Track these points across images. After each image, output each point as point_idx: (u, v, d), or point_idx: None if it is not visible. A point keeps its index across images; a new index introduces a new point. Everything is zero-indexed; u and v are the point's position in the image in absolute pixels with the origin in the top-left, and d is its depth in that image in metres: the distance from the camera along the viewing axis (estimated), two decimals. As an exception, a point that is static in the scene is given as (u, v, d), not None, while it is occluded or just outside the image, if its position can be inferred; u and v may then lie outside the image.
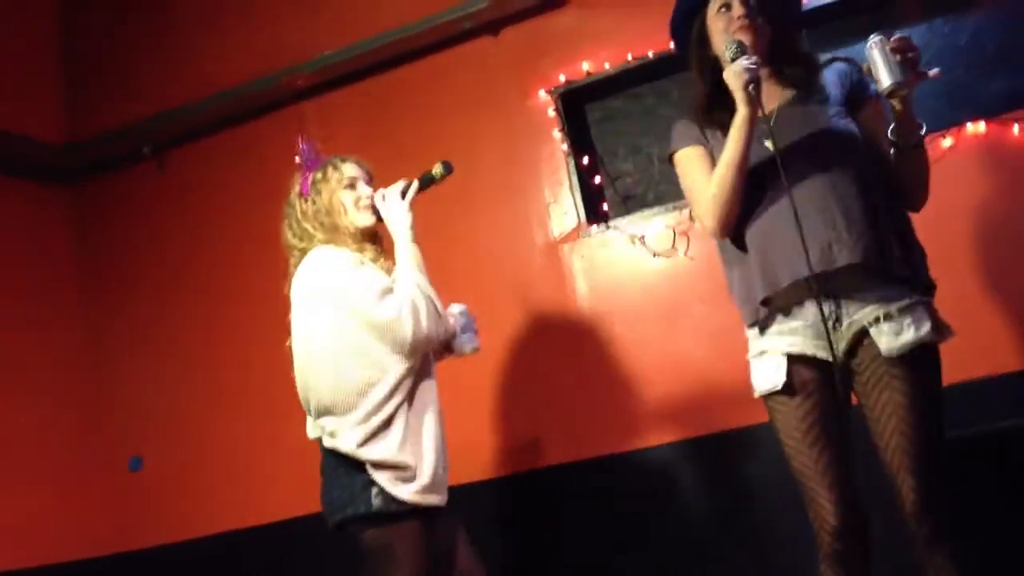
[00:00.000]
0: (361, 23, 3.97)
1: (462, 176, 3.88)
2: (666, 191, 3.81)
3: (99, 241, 4.62)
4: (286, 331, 4.10)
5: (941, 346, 2.29)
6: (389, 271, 2.70)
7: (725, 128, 2.32)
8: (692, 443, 3.55)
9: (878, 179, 2.33)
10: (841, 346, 2.29)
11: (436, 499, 2.59)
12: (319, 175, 2.79)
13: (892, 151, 2.31)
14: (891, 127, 2.29)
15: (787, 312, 2.33)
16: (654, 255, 3.66)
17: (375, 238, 2.78)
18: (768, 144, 2.30)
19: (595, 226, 3.78)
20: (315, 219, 2.74)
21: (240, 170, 4.36)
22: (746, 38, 2.32)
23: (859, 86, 2.38)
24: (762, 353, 2.37)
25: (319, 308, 2.62)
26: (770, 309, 2.36)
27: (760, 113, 2.26)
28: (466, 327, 2.80)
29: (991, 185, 3.28)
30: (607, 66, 3.76)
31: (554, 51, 3.87)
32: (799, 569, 2.56)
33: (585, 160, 3.86)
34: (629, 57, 3.74)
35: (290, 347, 2.77)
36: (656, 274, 3.67)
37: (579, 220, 3.80)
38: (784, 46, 2.45)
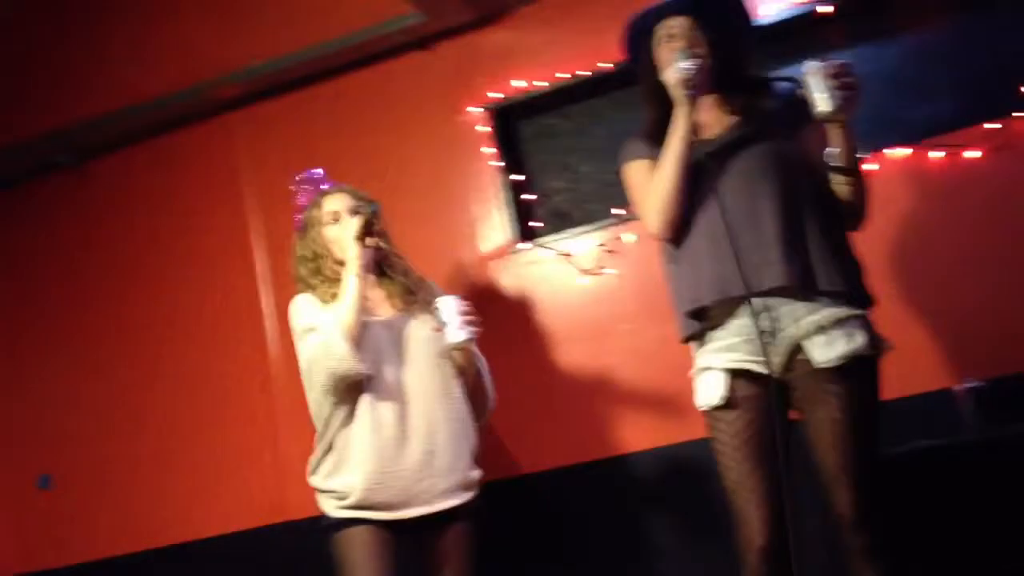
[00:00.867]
0: (292, 34, 3.92)
1: (392, 190, 3.90)
2: (595, 210, 3.82)
3: (12, 252, 4.48)
4: (206, 345, 4.08)
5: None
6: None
7: None
8: (619, 460, 3.55)
9: (815, 200, 2.39)
10: (777, 360, 2.35)
11: (375, 515, 2.67)
12: (308, 215, 2.93)
13: (830, 173, 2.37)
14: (828, 150, 2.34)
15: (722, 326, 2.39)
16: (582, 273, 3.66)
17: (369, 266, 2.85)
18: (708, 166, 2.38)
19: (524, 243, 3.77)
20: (303, 262, 2.90)
21: (163, 181, 4.27)
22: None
23: (800, 108, 2.41)
24: (705, 369, 2.43)
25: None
26: (703, 324, 2.42)
27: (701, 135, 2.41)
28: (447, 321, 2.75)
29: (912, 209, 3.35)
30: (539, 83, 3.76)
31: (487, 67, 3.86)
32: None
33: (515, 177, 3.85)
34: (561, 75, 3.75)
35: None
36: (584, 292, 3.67)
37: (508, 237, 3.79)
38: (729, 72, 2.52)
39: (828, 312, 2.32)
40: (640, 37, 2.59)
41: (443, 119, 3.91)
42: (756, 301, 2.32)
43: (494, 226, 3.82)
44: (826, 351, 2.29)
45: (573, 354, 3.65)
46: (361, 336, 2.71)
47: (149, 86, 4.10)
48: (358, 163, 3.97)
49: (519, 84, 3.80)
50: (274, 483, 3.87)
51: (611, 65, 3.65)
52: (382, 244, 2.88)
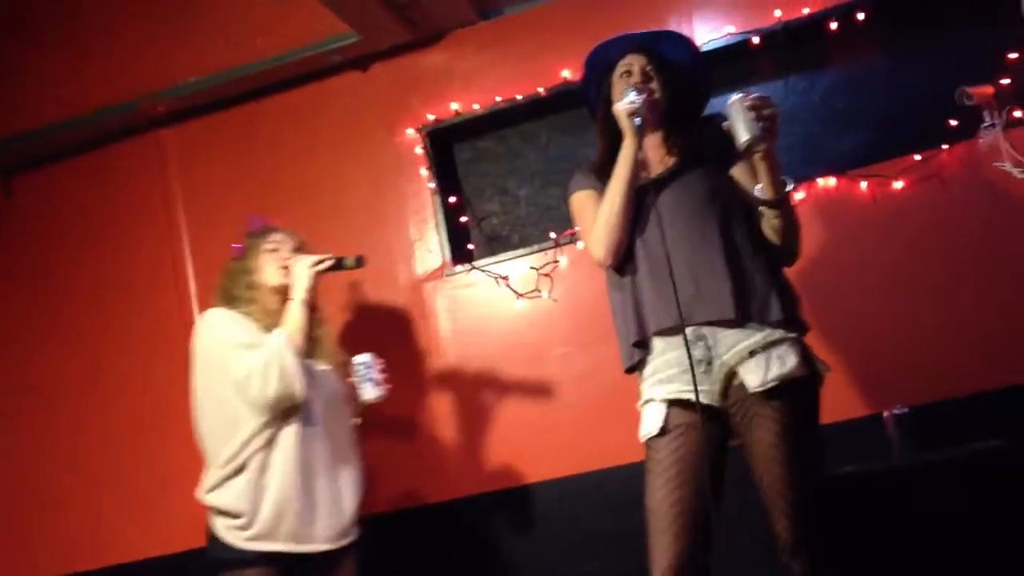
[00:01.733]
0: (227, 51, 3.86)
1: (328, 210, 3.88)
2: (531, 233, 3.84)
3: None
4: (140, 366, 4.00)
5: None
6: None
7: None
8: (552, 484, 3.55)
9: (749, 234, 2.45)
10: (716, 388, 2.40)
11: (276, 547, 2.68)
12: (251, 240, 2.99)
13: (761, 209, 2.42)
14: (757, 187, 2.39)
15: (662, 357, 2.44)
16: (518, 296, 3.66)
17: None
18: (650, 201, 2.45)
19: (460, 266, 3.77)
20: (236, 277, 2.93)
21: (93, 198, 4.18)
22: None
23: (730, 144, 2.45)
24: (648, 401, 2.48)
25: (196, 364, 2.83)
26: (644, 354, 2.48)
27: (644, 173, 2.49)
28: (365, 377, 2.92)
29: (840, 237, 3.41)
30: (476, 107, 3.77)
31: (424, 89, 3.86)
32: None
33: (452, 199, 3.85)
34: (498, 99, 3.76)
35: None
36: (519, 316, 3.68)
37: (444, 259, 3.78)
38: (680, 112, 2.60)
39: (760, 336, 2.36)
40: (599, 72, 2.67)
41: (380, 140, 3.89)
42: (690, 331, 2.36)
43: (430, 247, 3.81)
44: (758, 375, 2.34)
45: (508, 377, 3.65)
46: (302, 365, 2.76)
47: (80, 100, 4.01)
48: (291, 182, 3.94)
49: (455, 107, 3.80)
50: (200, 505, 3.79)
51: (546, 90, 3.68)
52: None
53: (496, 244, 3.90)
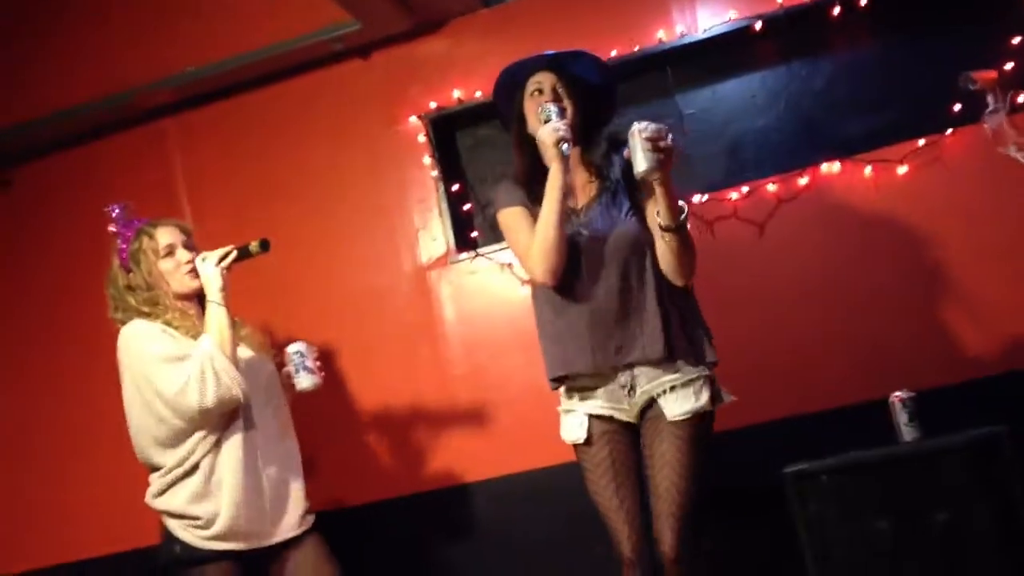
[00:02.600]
0: (228, 40, 3.85)
1: (330, 199, 3.87)
2: (535, 220, 3.83)
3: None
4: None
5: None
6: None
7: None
8: (555, 470, 3.54)
9: (656, 270, 2.62)
10: (634, 411, 2.66)
11: (236, 545, 2.72)
12: (136, 246, 2.86)
13: (659, 232, 2.55)
14: (656, 210, 2.52)
15: (588, 378, 2.67)
16: (522, 283, 3.66)
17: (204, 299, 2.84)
18: (578, 240, 2.62)
19: (464, 253, 3.77)
20: (135, 292, 2.84)
21: (94, 189, 4.14)
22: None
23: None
24: (568, 411, 2.74)
25: (126, 381, 2.78)
26: (569, 386, 2.72)
27: (573, 205, 2.66)
28: (300, 366, 2.91)
29: (844, 222, 3.42)
30: (478, 94, 3.75)
31: (425, 77, 3.84)
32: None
33: (455, 187, 3.85)
34: (500, 86, 3.75)
35: None
36: (523, 303, 3.64)
37: (448, 247, 3.78)
38: (590, 130, 2.71)
39: (680, 374, 2.60)
40: (510, 89, 2.78)
41: (381, 128, 3.88)
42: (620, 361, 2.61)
43: (434, 235, 3.81)
44: (676, 407, 2.59)
45: (511, 364, 3.65)
46: (236, 365, 2.75)
47: (79, 91, 3.99)
48: (294, 171, 3.93)
49: (458, 94, 3.79)
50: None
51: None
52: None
53: (500, 231, 3.88)
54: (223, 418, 2.72)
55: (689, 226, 2.56)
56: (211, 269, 2.78)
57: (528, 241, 2.64)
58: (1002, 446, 2.74)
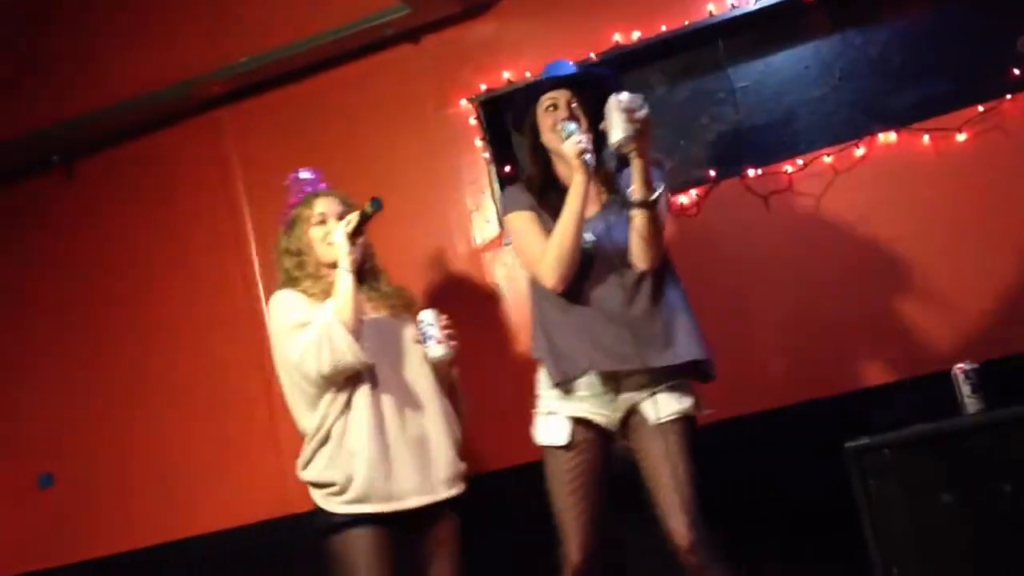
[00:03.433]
0: (279, 29, 3.90)
1: (382, 184, 3.89)
2: (587, 199, 3.82)
3: (2, 253, 4.45)
4: (202, 341, 4.08)
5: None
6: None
7: (555, 211, 2.67)
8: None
9: (663, 280, 2.70)
10: (616, 416, 2.72)
11: (375, 507, 2.74)
12: (295, 213, 3.00)
13: (630, 208, 2.59)
14: (629, 188, 2.56)
15: (575, 391, 2.73)
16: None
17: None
18: (589, 248, 2.67)
19: (517, 235, 3.77)
20: (288, 257, 2.96)
21: (153, 179, 4.24)
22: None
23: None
24: (550, 413, 2.76)
25: (274, 348, 2.91)
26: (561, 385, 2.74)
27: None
28: (427, 335, 2.88)
29: (903, 192, 3.37)
30: (528, 74, 3.74)
31: (475, 59, 3.85)
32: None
33: (507, 168, 3.85)
34: (549, 66, 3.74)
35: None
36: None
37: (501, 228, 3.79)
38: (600, 144, 2.69)
39: (665, 379, 2.67)
40: (525, 104, 2.85)
41: (432, 112, 3.90)
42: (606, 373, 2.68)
43: (487, 217, 3.82)
44: (659, 411, 2.65)
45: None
46: (359, 330, 2.76)
47: (137, 83, 4.07)
48: (348, 157, 3.96)
49: (507, 75, 3.79)
50: (276, 476, 3.85)
51: (597, 54, 3.66)
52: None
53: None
54: (348, 380, 2.78)
55: (666, 213, 2.67)
56: (339, 237, 2.84)
57: (539, 246, 2.70)
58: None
